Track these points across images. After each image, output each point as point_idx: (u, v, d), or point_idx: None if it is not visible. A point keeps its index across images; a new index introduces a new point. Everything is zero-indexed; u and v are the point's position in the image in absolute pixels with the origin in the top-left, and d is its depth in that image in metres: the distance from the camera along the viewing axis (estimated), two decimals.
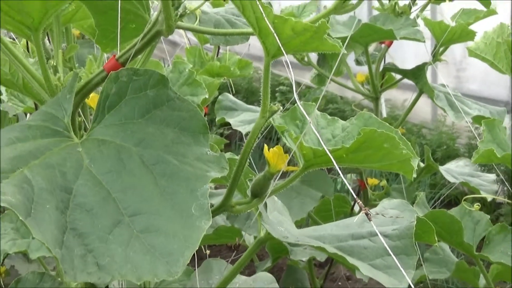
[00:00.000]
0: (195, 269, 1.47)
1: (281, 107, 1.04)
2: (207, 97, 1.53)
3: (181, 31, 1.25)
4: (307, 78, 2.68)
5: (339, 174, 0.99)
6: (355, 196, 1.04)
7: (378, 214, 1.16)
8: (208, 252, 2.14)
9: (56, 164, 0.81)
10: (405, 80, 2.20)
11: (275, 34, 0.88)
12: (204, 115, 2.13)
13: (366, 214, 0.87)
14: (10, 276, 2.04)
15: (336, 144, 1.06)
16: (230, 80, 2.37)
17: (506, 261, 1.63)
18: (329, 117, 1.13)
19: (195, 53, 2.15)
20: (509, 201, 2.24)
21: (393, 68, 2.19)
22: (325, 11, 1.07)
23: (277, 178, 1.09)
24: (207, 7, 1.17)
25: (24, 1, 0.91)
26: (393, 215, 1.15)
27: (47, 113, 0.92)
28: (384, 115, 2.28)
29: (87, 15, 1.23)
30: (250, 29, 0.98)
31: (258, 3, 0.87)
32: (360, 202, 0.92)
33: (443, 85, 2.14)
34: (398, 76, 2.22)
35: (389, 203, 1.24)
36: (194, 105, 0.92)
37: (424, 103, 2.21)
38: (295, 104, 1.03)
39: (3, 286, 1.23)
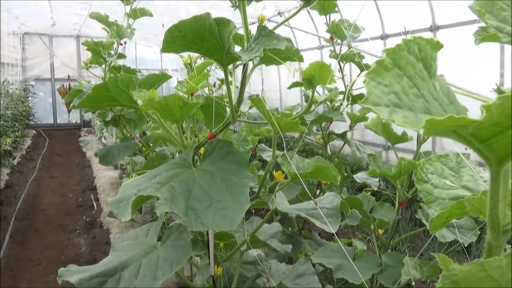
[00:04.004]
0: (245, 221, 1.46)
1: (281, 153, 1.04)
2: (252, 146, 1.54)
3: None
4: (297, 135, 2.67)
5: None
6: (311, 195, 1.02)
7: (323, 199, 1.14)
8: (253, 211, 2.12)
9: (185, 179, 0.82)
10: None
11: (277, 125, 0.88)
12: (252, 153, 2.12)
13: (315, 203, 0.86)
14: (169, 220, 2.05)
15: (304, 170, 1.04)
16: (264, 137, 2.36)
17: (383, 218, 1.60)
18: (301, 157, 1.12)
19: (248, 126, 2.16)
20: (383, 191, 2.18)
21: (333, 132, 2.17)
22: (299, 113, 1.07)
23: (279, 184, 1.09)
24: (251, 110, 1.18)
25: (173, 111, 0.94)
26: (330, 199, 1.14)
27: (182, 157, 0.94)
28: (329, 152, 2.24)
29: (201, 113, 1.25)
30: (266, 121, 0.99)
31: (269, 112, 0.88)
32: (314, 198, 0.91)
33: (354, 139, 2.11)
34: (335, 136, 2.20)
35: (329, 193, 1.21)
36: (243, 153, 0.93)
37: (347, 146, 2.18)
38: (286, 153, 1.02)
39: (166, 225, 1.24)
